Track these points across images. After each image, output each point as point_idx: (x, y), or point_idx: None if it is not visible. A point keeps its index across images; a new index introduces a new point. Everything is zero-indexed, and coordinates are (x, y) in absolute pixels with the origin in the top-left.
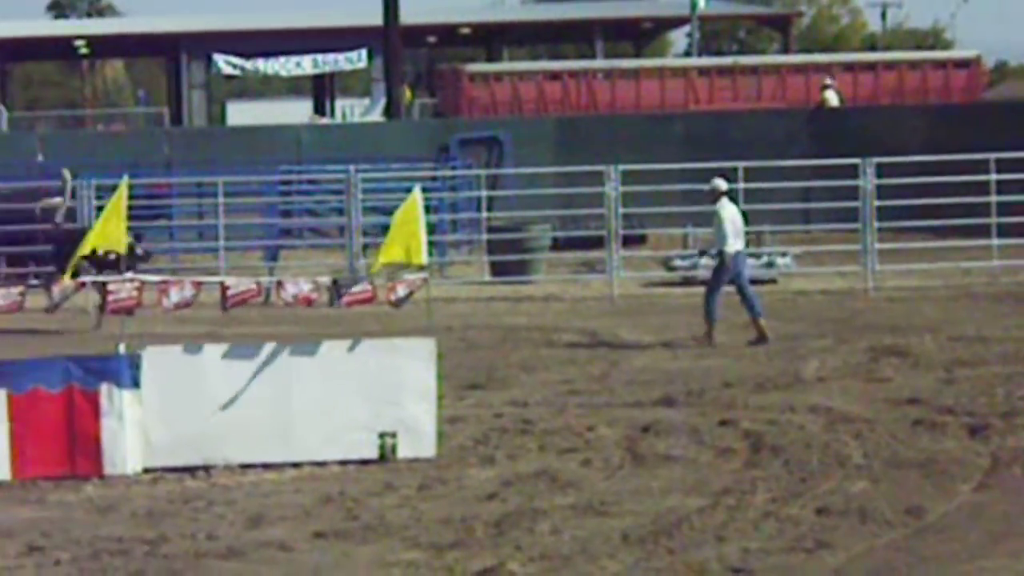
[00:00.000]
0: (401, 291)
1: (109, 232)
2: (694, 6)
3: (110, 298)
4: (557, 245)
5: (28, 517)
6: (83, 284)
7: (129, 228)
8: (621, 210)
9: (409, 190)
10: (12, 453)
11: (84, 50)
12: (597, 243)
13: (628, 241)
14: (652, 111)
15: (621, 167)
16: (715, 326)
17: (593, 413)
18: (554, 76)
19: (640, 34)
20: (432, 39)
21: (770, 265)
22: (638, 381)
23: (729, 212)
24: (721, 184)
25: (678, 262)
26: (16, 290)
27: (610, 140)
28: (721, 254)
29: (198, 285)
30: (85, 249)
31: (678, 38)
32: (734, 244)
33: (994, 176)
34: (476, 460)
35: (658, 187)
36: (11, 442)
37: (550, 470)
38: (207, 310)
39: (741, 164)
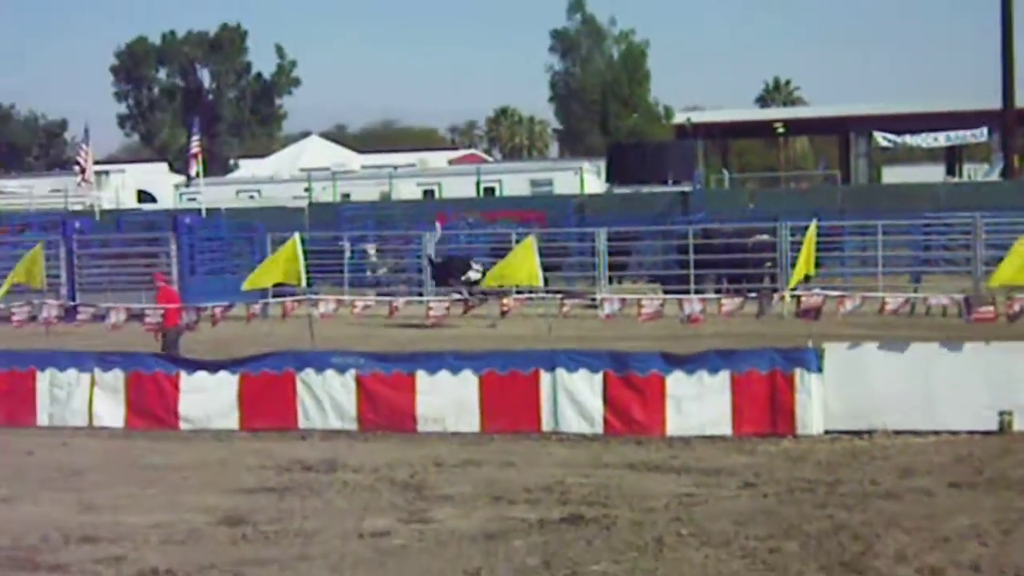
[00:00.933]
0: (1017, 307)
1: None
2: None
3: (805, 303)
4: None
5: (744, 462)
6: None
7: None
8: None
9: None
10: (733, 415)
11: (781, 130)
12: None
13: None
14: None
15: None
16: None
17: None
18: None
19: None
20: None
21: None
22: None
23: None
24: None
25: None
26: (735, 302)
27: None
28: None
29: (864, 298)
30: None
31: None
32: None
33: None
34: None
35: None
36: (732, 408)
37: None
38: (867, 317)
39: None
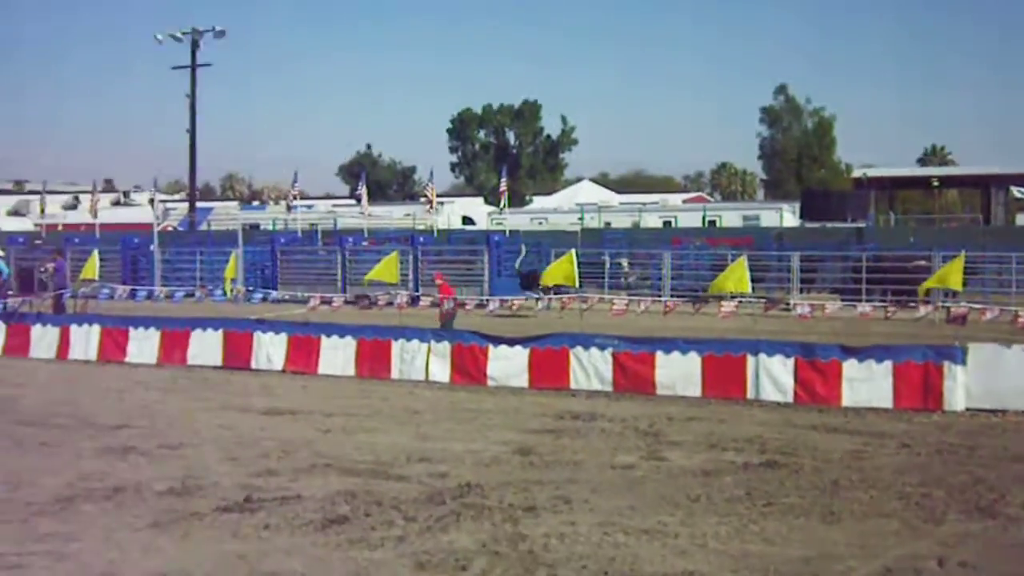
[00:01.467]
0: None
1: (950, 275)
2: None
3: (954, 312)
4: None
5: (902, 428)
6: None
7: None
8: None
9: None
10: (894, 394)
11: (935, 184)
12: None
13: None
14: None
15: None
16: None
17: None
18: None
19: None
20: None
21: None
22: None
23: None
24: None
25: None
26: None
27: None
28: None
29: (1001, 311)
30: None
31: None
32: None
33: None
34: None
35: None
36: (893, 389)
37: None
38: (1002, 326)
39: None
